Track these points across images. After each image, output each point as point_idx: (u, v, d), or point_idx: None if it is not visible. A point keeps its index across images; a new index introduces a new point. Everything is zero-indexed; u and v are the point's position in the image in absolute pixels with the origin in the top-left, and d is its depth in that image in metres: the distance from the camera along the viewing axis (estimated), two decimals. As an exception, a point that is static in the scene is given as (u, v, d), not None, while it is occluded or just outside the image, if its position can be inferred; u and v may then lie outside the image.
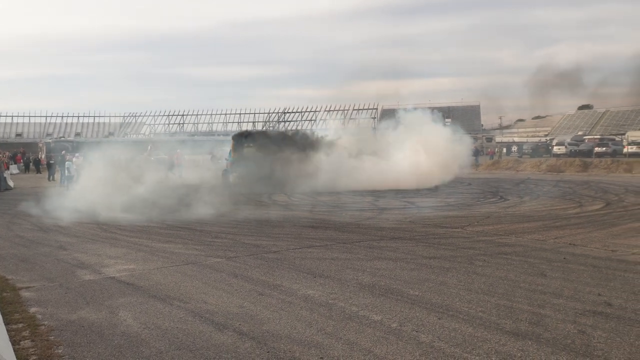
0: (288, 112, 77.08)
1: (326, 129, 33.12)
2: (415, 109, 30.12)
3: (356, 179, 21.92)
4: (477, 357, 4.69)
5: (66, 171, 24.52)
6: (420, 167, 23.04)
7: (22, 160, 44.95)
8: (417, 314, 5.88)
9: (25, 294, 7.01)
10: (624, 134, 50.52)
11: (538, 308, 6.00)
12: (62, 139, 53.95)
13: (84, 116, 76.91)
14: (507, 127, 79.35)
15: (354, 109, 73.73)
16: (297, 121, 76.05)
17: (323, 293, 6.78)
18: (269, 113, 77.49)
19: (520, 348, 4.86)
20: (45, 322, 5.81)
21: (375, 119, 68.68)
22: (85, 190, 17.01)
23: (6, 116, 73.83)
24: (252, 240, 10.69)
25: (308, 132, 28.49)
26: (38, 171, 40.85)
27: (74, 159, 25.37)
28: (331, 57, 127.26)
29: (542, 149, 47.66)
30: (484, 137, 57.90)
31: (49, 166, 32.89)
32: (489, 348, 4.88)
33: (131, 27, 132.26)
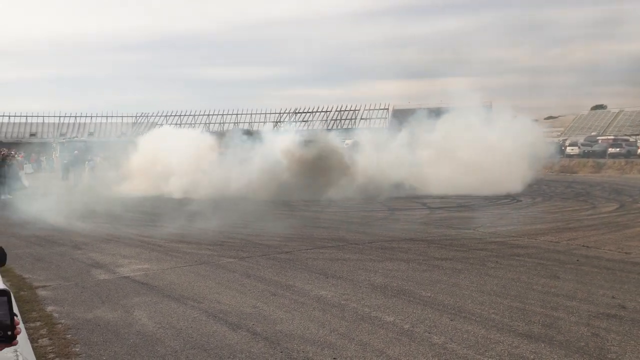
0: (299, 112, 77.17)
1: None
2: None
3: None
4: (489, 359, 4.69)
5: (87, 170, 24.83)
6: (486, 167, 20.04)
7: (35, 160, 45.55)
8: (430, 315, 5.89)
9: (41, 292, 7.12)
10: (638, 135, 49.92)
11: (551, 310, 5.99)
12: (75, 138, 54.40)
13: (96, 116, 77.39)
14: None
15: (365, 109, 73.61)
16: (309, 121, 76.07)
17: (335, 294, 6.81)
18: (280, 113, 77.59)
19: (533, 350, 4.86)
20: (62, 321, 5.91)
21: (387, 119, 68.57)
22: (99, 189, 17.19)
23: (20, 116, 74.57)
24: (264, 241, 10.75)
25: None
26: (52, 170, 41.29)
27: (97, 159, 25.67)
28: (342, 57, 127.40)
29: (554, 150, 47.16)
30: None
31: (63, 166, 33.23)
32: (501, 350, 4.88)
33: (142, 28, 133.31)
